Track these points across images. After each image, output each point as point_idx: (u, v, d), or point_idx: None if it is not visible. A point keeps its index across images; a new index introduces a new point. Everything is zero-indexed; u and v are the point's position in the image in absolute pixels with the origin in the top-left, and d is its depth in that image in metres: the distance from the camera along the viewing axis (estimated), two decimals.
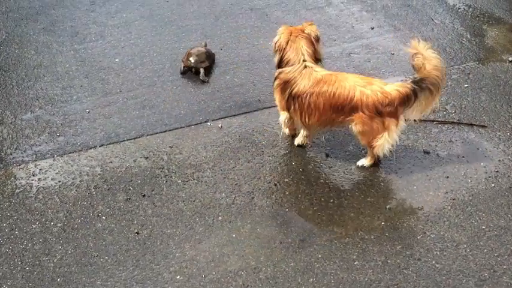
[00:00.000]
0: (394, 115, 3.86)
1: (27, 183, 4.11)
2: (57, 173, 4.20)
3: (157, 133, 4.55)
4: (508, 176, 4.11)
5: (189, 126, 4.61)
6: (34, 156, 4.34)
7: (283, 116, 4.24)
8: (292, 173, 4.17)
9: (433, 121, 4.56)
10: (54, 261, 3.58)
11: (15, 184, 4.11)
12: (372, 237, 3.70)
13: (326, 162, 4.25)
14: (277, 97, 4.17)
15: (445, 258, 3.55)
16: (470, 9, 6.16)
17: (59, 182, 4.12)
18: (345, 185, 4.07)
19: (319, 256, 3.58)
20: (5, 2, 6.26)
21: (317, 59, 4.07)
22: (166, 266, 3.54)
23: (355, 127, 3.93)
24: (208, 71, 5.21)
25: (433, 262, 3.53)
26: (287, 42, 4.02)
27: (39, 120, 4.69)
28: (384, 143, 3.93)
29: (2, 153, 4.36)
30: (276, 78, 4.11)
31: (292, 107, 4.05)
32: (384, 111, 3.83)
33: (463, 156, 4.28)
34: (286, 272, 3.49)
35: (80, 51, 5.51)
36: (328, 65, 5.07)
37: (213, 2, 6.30)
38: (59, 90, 5.01)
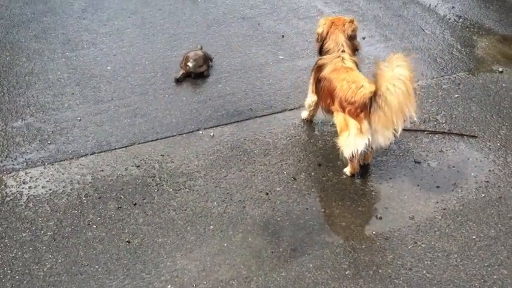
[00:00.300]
0: (356, 116, 3.85)
1: (18, 191, 4.09)
2: (47, 181, 4.18)
3: (148, 141, 4.54)
4: (498, 186, 4.13)
5: (180, 134, 4.61)
6: (25, 164, 4.32)
7: (311, 99, 4.49)
8: (283, 182, 4.17)
9: (424, 131, 4.59)
10: (44, 270, 3.56)
11: (6, 192, 4.08)
12: (363, 246, 3.70)
13: (318, 172, 4.25)
14: (311, 79, 4.44)
15: (436, 268, 3.56)
16: (461, 19, 6.21)
17: (50, 190, 4.10)
18: (336, 195, 4.08)
19: (311, 266, 3.58)
20: None
21: (354, 50, 4.33)
22: (157, 275, 3.52)
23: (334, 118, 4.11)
24: (207, 73, 5.29)
25: (424, 272, 3.54)
26: (327, 33, 4.27)
27: (30, 127, 4.67)
28: (342, 143, 3.98)
29: None
30: (315, 63, 4.36)
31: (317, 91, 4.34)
32: (346, 109, 3.88)
33: (454, 166, 4.30)
34: (278, 281, 3.48)
35: (71, 58, 5.50)
36: None
37: (205, 10, 6.32)
38: (50, 97, 5.00)
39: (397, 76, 3.62)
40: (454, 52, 5.65)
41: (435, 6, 6.47)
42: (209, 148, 4.47)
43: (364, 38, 5.79)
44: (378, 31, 5.94)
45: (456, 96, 5.03)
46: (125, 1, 6.49)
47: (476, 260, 3.61)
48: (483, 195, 4.07)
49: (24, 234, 3.78)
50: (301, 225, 3.85)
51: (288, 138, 4.55)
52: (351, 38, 4.27)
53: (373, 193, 4.10)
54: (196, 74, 5.21)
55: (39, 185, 4.14)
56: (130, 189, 4.11)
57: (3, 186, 4.13)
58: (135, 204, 3.99)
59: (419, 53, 5.60)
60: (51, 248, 3.69)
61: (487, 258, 3.62)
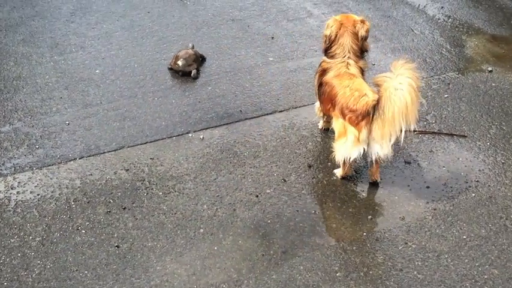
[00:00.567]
0: (356, 124, 3.81)
1: (6, 196, 4.05)
2: (36, 186, 4.14)
3: (138, 145, 4.51)
4: (489, 185, 4.14)
5: (170, 137, 4.59)
6: (13, 169, 4.28)
7: (318, 103, 4.41)
8: (274, 184, 4.15)
9: (414, 131, 4.59)
10: (33, 276, 3.52)
11: None
12: (354, 248, 3.69)
13: (308, 173, 4.24)
14: (315, 83, 4.34)
15: (427, 268, 3.56)
16: (450, 19, 6.22)
17: (38, 195, 4.07)
18: (327, 196, 4.07)
19: (301, 268, 3.56)
20: None
21: (362, 52, 4.19)
22: (147, 279, 3.49)
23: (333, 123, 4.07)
24: (197, 72, 5.27)
25: (415, 273, 3.53)
26: (336, 36, 4.14)
27: (17, 132, 4.63)
28: (337, 148, 3.97)
29: None
30: (319, 65, 4.27)
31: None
32: (346, 116, 3.84)
33: (444, 166, 4.30)
34: (268, 284, 3.47)
35: (59, 62, 5.47)
36: (310, 76, 5.09)
37: (194, 13, 6.30)
38: (39, 102, 4.96)
39: (399, 85, 3.58)
40: (443, 52, 5.65)
41: (424, 6, 6.48)
42: (199, 151, 4.45)
43: None
44: None
45: (446, 96, 5.04)
46: (114, 4, 6.46)
47: (467, 260, 3.61)
48: (473, 194, 4.07)
49: (12, 240, 3.74)
50: (292, 227, 3.83)
51: (278, 140, 4.53)
52: (363, 39, 4.14)
53: (363, 194, 4.09)
54: (185, 72, 5.20)
55: (27, 190, 4.10)
56: (119, 193, 4.08)
57: None
58: (124, 208, 3.96)
59: (408, 53, 5.60)
60: (39, 254, 3.65)
61: (478, 258, 3.62)
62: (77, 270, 3.55)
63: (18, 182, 4.16)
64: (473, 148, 4.46)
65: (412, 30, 6.01)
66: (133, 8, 6.40)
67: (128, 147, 4.49)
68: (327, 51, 4.19)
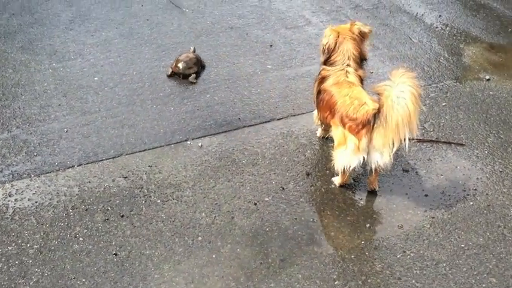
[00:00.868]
0: (356, 133, 3.80)
1: (3, 203, 4.04)
2: (34, 193, 4.13)
3: (136, 152, 4.51)
4: (486, 194, 4.14)
5: (168, 145, 4.59)
6: (11, 176, 4.27)
7: (316, 111, 4.39)
8: (272, 192, 4.15)
9: (412, 139, 4.58)
10: (30, 284, 3.51)
11: None
12: (352, 256, 3.69)
13: (307, 181, 4.24)
14: (314, 90, 4.31)
15: (425, 277, 3.55)
16: (448, 28, 6.25)
17: (36, 202, 4.06)
18: (325, 204, 4.07)
19: (300, 276, 3.56)
20: None
21: (361, 60, 4.18)
22: None
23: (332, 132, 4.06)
24: (197, 76, 5.31)
25: (413, 281, 3.53)
26: (335, 44, 4.11)
27: (16, 139, 4.63)
28: (337, 157, 3.95)
29: None
30: (318, 73, 4.25)
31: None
32: (347, 124, 3.82)
33: (442, 175, 4.31)
34: None
35: (58, 69, 5.47)
36: (308, 84, 5.10)
37: (193, 20, 6.31)
38: (37, 109, 4.96)
39: (401, 93, 3.56)
40: (441, 60, 5.67)
41: (422, 15, 6.51)
42: (197, 158, 4.45)
43: None
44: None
45: (443, 104, 5.05)
46: (112, 12, 6.48)
47: (465, 269, 3.61)
48: (471, 203, 4.07)
49: (10, 248, 3.73)
50: (290, 235, 3.83)
51: (276, 148, 4.54)
52: (364, 37, 4.14)
53: (361, 202, 4.09)
54: (185, 75, 5.28)
55: (25, 198, 4.09)
56: (117, 201, 4.07)
57: None
58: (122, 216, 3.96)
59: (406, 61, 5.62)
60: (37, 262, 3.64)
61: (476, 267, 3.62)
62: (74, 278, 3.54)
63: (16, 189, 4.16)
64: (471, 156, 4.47)
65: (410, 39, 6.03)
66: (132, 15, 6.42)
67: (126, 154, 4.49)
68: (326, 60, 4.16)
